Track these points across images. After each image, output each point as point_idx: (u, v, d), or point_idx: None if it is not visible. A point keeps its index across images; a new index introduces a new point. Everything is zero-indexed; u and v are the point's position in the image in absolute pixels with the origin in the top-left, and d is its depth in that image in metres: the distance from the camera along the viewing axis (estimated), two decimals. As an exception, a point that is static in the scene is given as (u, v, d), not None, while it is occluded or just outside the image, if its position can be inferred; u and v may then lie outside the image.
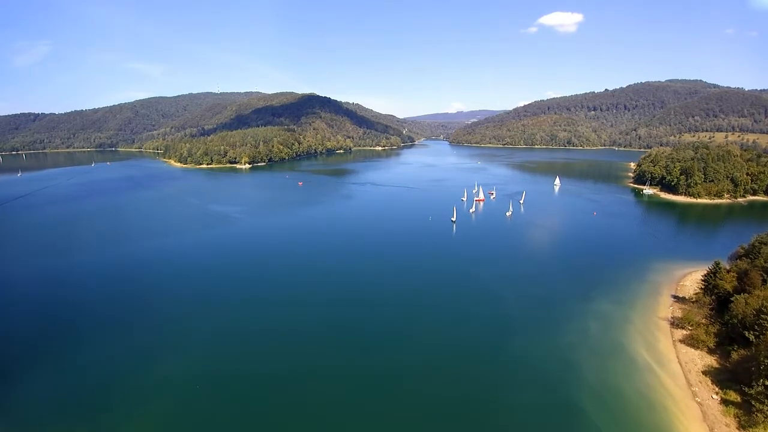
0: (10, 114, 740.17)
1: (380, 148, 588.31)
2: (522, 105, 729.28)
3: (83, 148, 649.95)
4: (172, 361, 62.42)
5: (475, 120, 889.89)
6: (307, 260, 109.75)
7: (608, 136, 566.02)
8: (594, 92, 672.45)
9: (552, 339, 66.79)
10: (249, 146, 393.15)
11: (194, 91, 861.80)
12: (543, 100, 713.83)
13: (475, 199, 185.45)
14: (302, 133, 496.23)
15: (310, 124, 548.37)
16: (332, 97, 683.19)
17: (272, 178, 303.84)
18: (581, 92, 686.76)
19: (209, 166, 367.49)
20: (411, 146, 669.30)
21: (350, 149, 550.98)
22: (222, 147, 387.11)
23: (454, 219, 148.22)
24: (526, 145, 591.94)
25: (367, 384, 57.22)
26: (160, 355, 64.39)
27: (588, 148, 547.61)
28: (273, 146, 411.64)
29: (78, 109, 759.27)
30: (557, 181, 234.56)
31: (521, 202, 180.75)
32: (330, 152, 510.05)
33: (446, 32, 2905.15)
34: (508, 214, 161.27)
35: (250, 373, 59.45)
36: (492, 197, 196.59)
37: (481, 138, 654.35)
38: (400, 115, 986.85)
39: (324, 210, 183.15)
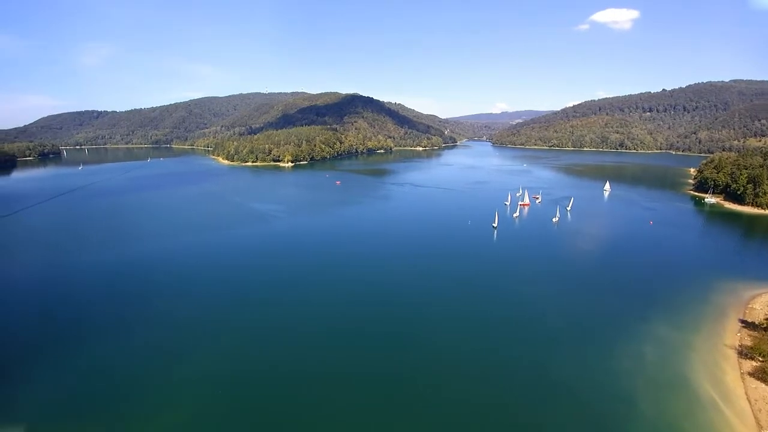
0: (75, 111, 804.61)
1: (421, 148, 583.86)
2: (571, 105, 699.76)
3: (140, 144, 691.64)
4: (198, 360, 63.22)
5: (520, 121, 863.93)
6: (340, 261, 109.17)
7: (665, 139, 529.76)
8: (650, 92, 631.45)
9: (602, 364, 61.58)
10: (292, 145, 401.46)
11: (244, 92, 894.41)
12: (594, 101, 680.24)
13: (520, 203, 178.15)
14: (344, 133, 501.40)
15: (352, 124, 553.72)
16: (375, 97, 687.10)
17: (312, 177, 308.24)
18: (636, 92, 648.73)
19: (254, 163, 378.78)
20: (453, 147, 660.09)
21: (391, 149, 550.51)
22: (267, 145, 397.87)
23: (495, 224, 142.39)
24: (574, 147, 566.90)
25: (393, 387, 56.02)
26: (187, 352, 65.42)
27: (642, 151, 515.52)
28: (315, 145, 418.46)
29: (137, 107, 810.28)
30: (607, 186, 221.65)
31: (568, 208, 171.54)
32: (371, 152, 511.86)
33: (493, 30, 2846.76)
34: (554, 220, 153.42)
35: (283, 373, 59.18)
36: (537, 202, 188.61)
37: (526, 139, 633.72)
38: (443, 115, 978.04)
39: (361, 210, 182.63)
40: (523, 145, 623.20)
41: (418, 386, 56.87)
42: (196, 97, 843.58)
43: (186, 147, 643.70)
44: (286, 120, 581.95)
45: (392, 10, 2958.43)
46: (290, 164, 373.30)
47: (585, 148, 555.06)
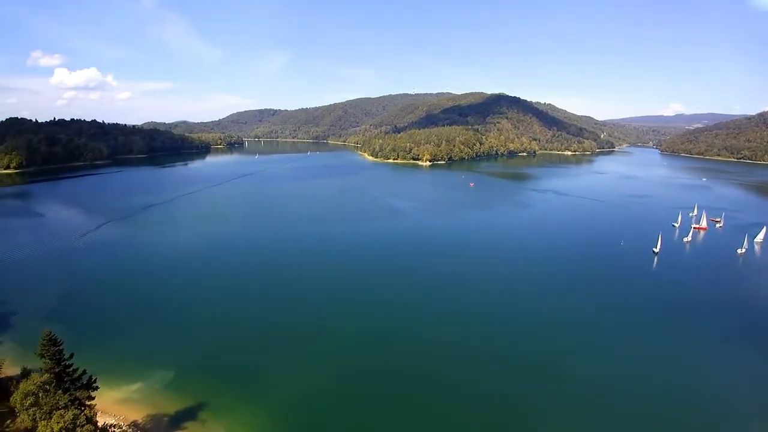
0: (257, 109, 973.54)
1: (570, 152, 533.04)
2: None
3: (304, 139, 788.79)
4: (307, 348, 68.48)
5: (699, 125, 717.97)
6: (461, 266, 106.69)
7: None
8: None
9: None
10: (432, 144, 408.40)
11: (393, 93, 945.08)
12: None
13: (694, 226, 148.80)
14: (485, 134, 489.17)
15: (495, 125, 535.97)
16: (522, 97, 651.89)
17: (448, 177, 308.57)
18: None
19: (395, 161, 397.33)
20: (609, 153, 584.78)
21: (534, 152, 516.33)
22: (408, 144, 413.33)
23: (656, 249, 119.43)
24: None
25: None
26: (301, 339, 70.93)
27: None
28: (454, 145, 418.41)
29: (304, 107, 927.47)
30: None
31: (759, 239, 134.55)
32: (512, 154, 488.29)
33: (665, 14, 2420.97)
34: (739, 252, 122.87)
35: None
36: (718, 226, 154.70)
37: (707, 148, 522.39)
38: (599, 116, 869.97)
39: (491, 216, 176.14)
40: (701, 154, 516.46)
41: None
42: (352, 98, 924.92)
43: (339, 143, 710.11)
44: (429, 120, 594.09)
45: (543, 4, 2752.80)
46: (428, 163, 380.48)
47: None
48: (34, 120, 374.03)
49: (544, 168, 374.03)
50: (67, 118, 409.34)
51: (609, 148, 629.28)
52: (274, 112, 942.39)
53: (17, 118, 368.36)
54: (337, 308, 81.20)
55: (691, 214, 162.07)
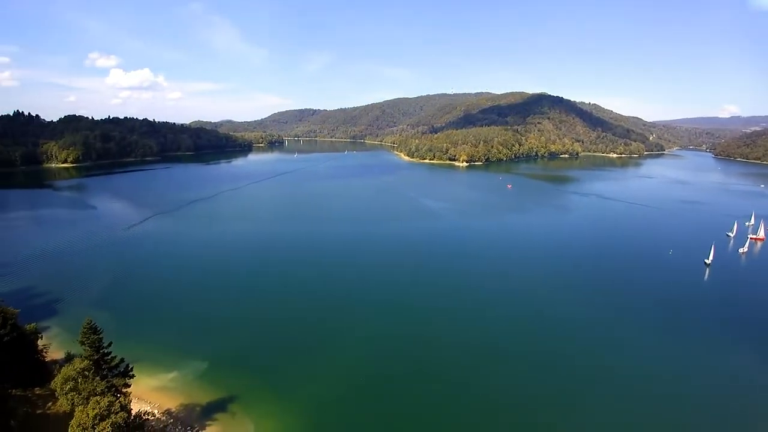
0: (297, 109, 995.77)
1: (615, 155, 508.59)
2: None
3: (341, 138, 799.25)
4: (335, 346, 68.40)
5: (758, 128, 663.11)
6: (496, 270, 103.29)
7: None
8: None
9: None
10: (469, 145, 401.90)
11: (431, 93, 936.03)
12: None
13: (751, 236, 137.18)
14: (525, 134, 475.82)
15: (536, 125, 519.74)
16: (565, 97, 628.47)
17: (484, 178, 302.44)
18: None
19: (431, 161, 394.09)
20: (658, 156, 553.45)
21: (577, 154, 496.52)
22: (445, 144, 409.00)
23: (708, 260, 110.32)
24: None
25: None
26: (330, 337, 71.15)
27: None
28: (492, 146, 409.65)
29: (342, 107, 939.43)
30: None
31: None
32: (552, 156, 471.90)
33: (717, 11, 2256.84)
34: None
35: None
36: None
37: (765, 152, 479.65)
38: (648, 117, 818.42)
39: (529, 219, 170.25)
40: (759, 159, 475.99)
41: None
42: (389, 98, 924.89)
43: (376, 142, 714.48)
44: (467, 120, 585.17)
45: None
46: (465, 164, 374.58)
47: None
48: (90, 117, 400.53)
49: (587, 170, 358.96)
50: (121, 116, 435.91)
51: (658, 151, 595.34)
52: (314, 112, 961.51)
53: (75, 115, 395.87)
54: (367, 308, 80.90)
55: (747, 224, 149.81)
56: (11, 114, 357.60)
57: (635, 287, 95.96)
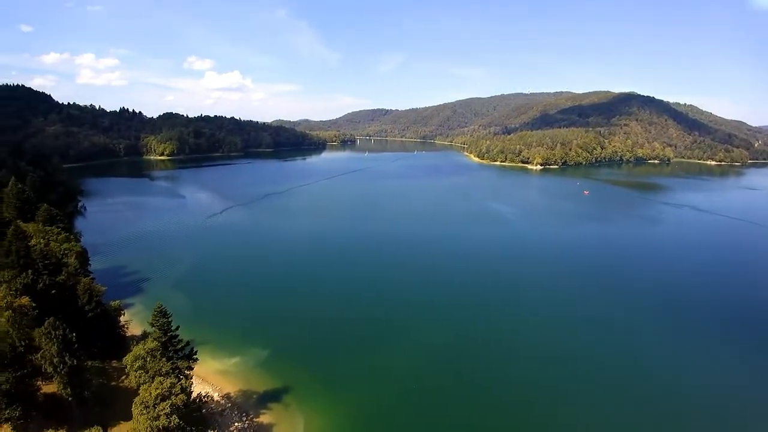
0: (370, 109, 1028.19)
1: (714, 162, 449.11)
2: None
3: (412, 138, 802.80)
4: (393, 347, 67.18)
5: None
6: (563, 282, 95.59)
7: None
8: None
9: None
10: (544, 147, 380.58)
11: (506, 92, 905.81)
12: None
13: None
14: (608, 137, 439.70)
15: (621, 127, 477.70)
16: (656, 97, 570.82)
17: (559, 183, 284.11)
18: None
19: (502, 163, 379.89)
20: (765, 165, 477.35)
21: (668, 160, 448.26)
22: (518, 146, 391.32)
23: None
24: None
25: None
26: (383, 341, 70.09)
27: None
28: (570, 149, 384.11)
29: (413, 107, 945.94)
30: None
31: None
32: (639, 161, 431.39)
33: None
34: None
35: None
36: None
37: None
38: (755, 122, 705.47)
39: (610, 229, 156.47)
40: None
41: None
42: (461, 98, 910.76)
43: (446, 143, 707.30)
44: (544, 121, 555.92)
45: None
46: (538, 167, 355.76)
47: None
48: (185, 115, 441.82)
49: (679, 179, 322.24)
50: (212, 115, 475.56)
51: (764, 159, 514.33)
52: (386, 112, 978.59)
53: (172, 113, 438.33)
54: (426, 313, 79.33)
55: None
56: (117, 110, 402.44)
57: (743, 318, 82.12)
